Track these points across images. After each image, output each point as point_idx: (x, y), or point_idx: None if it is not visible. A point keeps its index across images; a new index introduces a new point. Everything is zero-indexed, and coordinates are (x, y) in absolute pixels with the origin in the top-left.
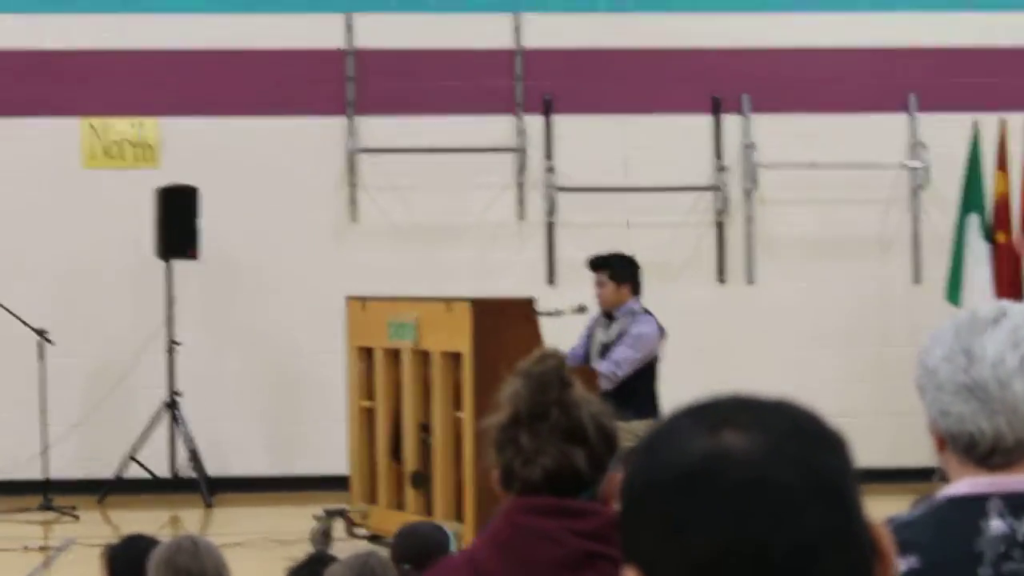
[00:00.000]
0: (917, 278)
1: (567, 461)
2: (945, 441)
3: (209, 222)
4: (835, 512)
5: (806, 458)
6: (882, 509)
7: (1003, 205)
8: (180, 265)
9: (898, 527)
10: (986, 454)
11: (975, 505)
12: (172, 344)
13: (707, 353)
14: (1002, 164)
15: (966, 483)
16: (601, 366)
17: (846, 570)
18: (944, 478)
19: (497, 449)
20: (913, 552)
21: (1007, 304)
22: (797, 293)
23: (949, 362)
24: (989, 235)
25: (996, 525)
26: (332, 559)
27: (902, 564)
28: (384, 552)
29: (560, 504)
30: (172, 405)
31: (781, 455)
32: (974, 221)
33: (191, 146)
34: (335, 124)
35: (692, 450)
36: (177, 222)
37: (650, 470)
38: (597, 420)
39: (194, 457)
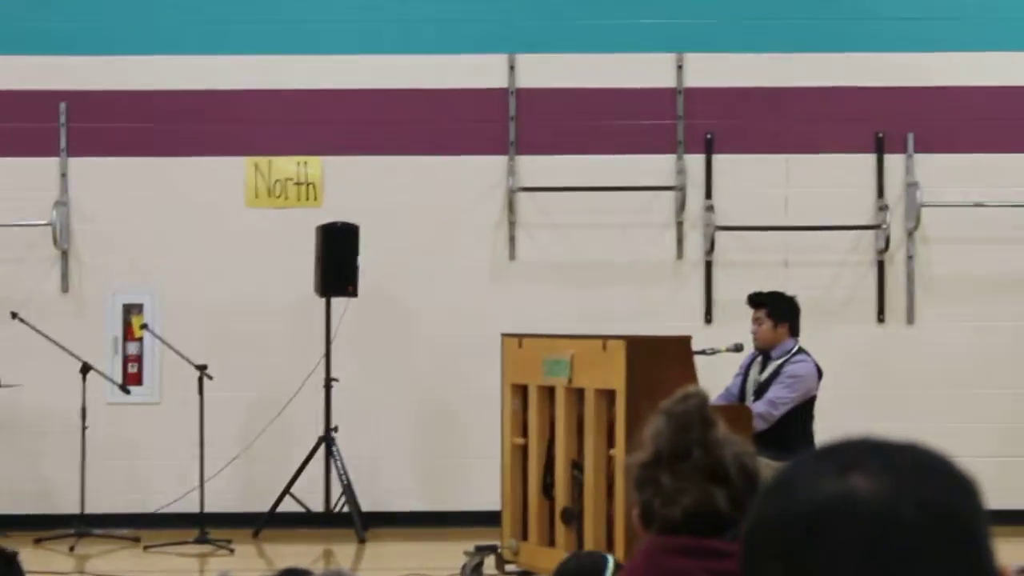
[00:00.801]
0: None
1: (708, 501)
2: None
3: (369, 259)
4: (962, 555)
5: (933, 500)
6: None
7: None
8: (339, 302)
9: None
10: None
11: None
12: (330, 380)
13: (866, 393)
14: None
15: None
16: (757, 406)
17: None
18: None
19: (638, 488)
20: None
21: None
22: (959, 333)
23: None
24: None
25: None
26: None
27: None
28: None
29: (699, 544)
30: (328, 440)
31: (908, 497)
32: None
33: (353, 184)
34: (496, 163)
35: (819, 492)
36: (337, 259)
37: (778, 511)
38: (739, 460)
39: (348, 492)
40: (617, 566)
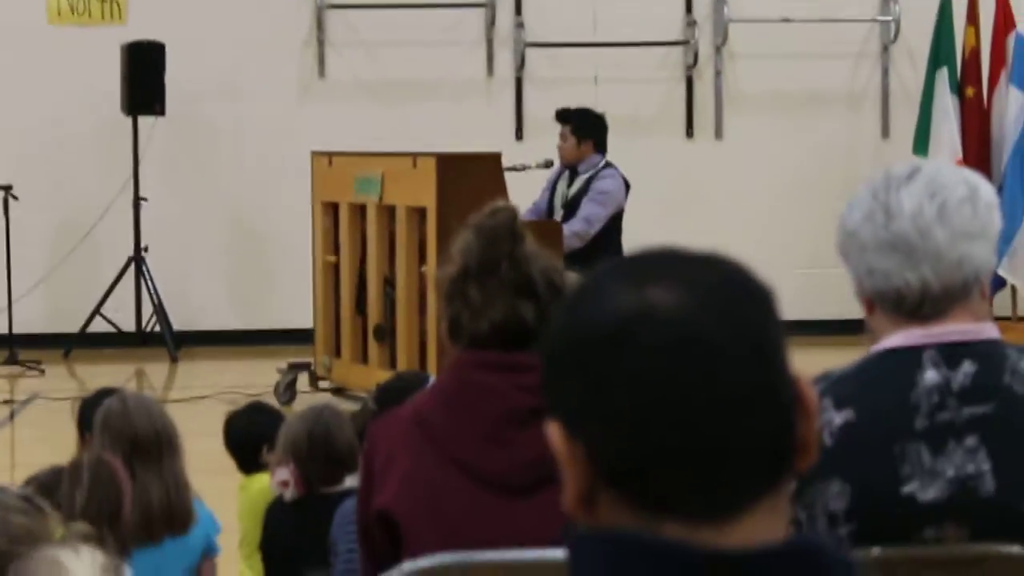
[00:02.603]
0: (886, 132)
1: (515, 315)
2: (874, 302)
3: (176, 78)
4: (760, 368)
5: (732, 313)
6: (848, 360)
7: (972, 59)
8: (146, 121)
9: (834, 381)
10: (915, 306)
11: (910, 357)
12: (138, 200)
13: (675, 207)
14: (972, 18)
15: (901, 335)
16: (572, 225)
17: (770, 425)
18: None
19: (446, 301)
20: (848, 405)
21: (919, 162)
22: (765, 147)
23: (869, 221)
24: (958, 89)
25: (931, 376)
26: (271, 409)
27: (837, 418)
28: (341, 404)
29: (506, 359)
30: (138, 260)
31: (707, 311)
32: (943, 75)
33: (158, 2)
34: None
35: (617, 306)
36: (144, 78)
37: (575, 326)
38: (547, 275)
39: (159, 311)
40: None
